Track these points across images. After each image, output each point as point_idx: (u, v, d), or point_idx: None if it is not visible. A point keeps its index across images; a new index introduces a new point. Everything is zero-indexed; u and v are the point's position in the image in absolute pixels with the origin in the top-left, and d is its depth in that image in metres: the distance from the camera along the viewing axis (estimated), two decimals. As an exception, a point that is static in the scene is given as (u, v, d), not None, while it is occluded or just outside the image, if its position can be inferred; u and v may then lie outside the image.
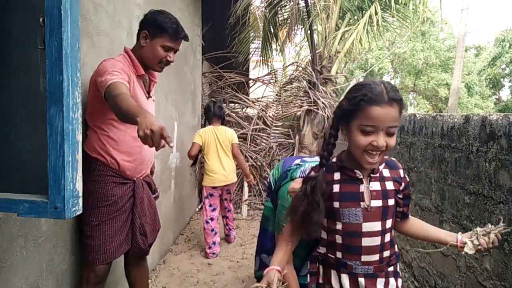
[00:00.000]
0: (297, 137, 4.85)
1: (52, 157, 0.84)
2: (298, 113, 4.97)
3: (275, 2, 5.08)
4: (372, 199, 1.12)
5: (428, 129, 2.00)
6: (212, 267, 3.05)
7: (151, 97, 1.82)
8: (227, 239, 3.63)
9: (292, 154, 4.84)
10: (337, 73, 5.08)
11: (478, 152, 1.52)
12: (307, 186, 1.13)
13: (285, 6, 5.36)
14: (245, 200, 4.68)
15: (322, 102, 4.62)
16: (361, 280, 1.14)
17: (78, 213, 0.90)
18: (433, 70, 16.70)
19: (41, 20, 0.83)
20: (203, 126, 3.51)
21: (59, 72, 0.82)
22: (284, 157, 4.87)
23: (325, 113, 4.58)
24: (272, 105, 5.13)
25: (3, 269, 1.20)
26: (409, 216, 1.26)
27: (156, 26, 1.65)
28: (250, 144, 4.83)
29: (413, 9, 5.10)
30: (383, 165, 1.17)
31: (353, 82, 7.66)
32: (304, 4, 4.90)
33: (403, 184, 1.18)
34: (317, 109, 4.66)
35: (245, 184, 4.70)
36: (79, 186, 0.90)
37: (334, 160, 1.20)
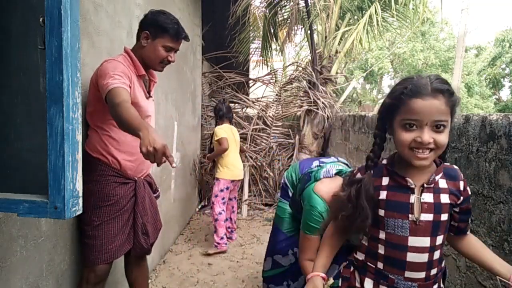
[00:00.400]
0: (297, 137, 4.85)
1: (52, 157, 0.84)
2: (298, 113, 4.97)
3: (275, 2, 5.08)
4: (422, 212, 1.00)
5: (428, 129, 2.00)
6: (212, 267, 3.05)
7: (151, 97, 1.82)
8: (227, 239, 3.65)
9: (292, 154, 4.84)
10: (337, 73, 5.07)
11: (478, 152, 1.52)
12: (352, 189, 1.06)
13: (285, 6, 5.36)
14: (245, 200, 4.68)
15: (322, 102, 4.62)
16: None
17: (78, 213, 0.90)
18: (433, 70, 16.65)
19: (41, 20, 0.83)
20: (215, 125, 3.63)
21: (59, 72, 0.82)
22: (284, 157, 4.88)
23: (325, 113, 4.59)
24: (272, 105, 5.13)
25: (3, 269, 1.20)
26: (468, 233, 1.12)
27: (158, 26, 1.65)
28: (250, 144, 4.83)
29: (413, 9, 5.10)
30: (440, 174, 1.04)
31: (353, 82, 7.66)
32: (304, 4, 4.89)
33: (461, 198, 1.04)
34: (317, 109, 4.66)
35: (245, 184, 4.72)
36: (79, 186, 0.90)
37: (384, 162, 1.09)
